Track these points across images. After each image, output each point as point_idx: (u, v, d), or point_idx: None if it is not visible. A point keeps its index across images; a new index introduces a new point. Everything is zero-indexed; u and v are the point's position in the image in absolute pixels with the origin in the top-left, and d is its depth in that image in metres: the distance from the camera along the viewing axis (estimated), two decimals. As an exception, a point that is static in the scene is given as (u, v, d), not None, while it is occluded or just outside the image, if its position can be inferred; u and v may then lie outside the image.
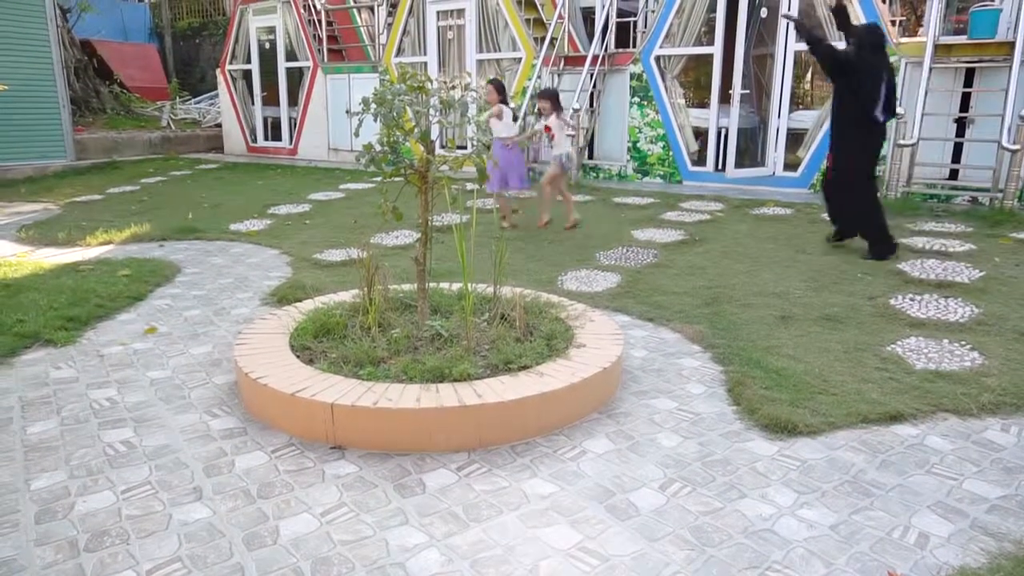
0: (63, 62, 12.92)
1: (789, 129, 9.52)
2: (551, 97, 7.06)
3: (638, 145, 10.72)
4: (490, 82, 6.97)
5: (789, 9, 9.05)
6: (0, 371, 3.72)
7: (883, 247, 5.72)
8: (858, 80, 5.53)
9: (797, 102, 10.10)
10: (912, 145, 7.83)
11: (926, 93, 7.87)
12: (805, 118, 9.80)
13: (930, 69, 7.95)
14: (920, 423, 3.09)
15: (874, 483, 2.63)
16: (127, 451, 2.89)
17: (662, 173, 10.56)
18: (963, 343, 3.94)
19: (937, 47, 8.13)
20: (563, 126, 6.94)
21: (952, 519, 2.41)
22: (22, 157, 12.07)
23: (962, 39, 8.30)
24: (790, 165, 9.61)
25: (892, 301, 4.69)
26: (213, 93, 17.61)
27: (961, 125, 8.43)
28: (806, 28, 5.97)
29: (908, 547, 2.27)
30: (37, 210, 9.02)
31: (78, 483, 2.65)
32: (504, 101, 6.91)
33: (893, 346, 3.93)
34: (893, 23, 9.47)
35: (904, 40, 9.04)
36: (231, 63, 15.31)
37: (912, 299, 4.72)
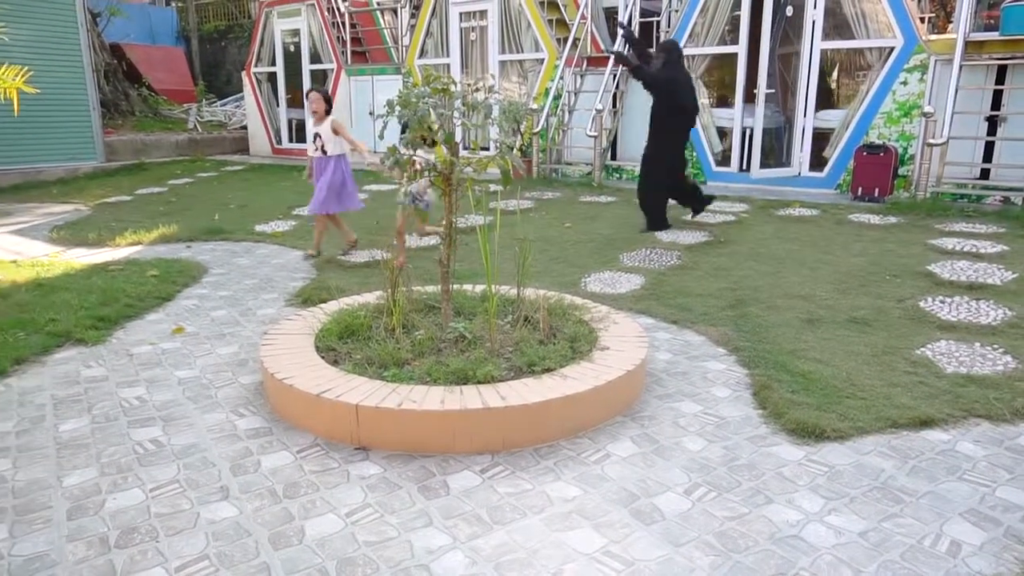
0: (93, 66, 13.16)
1: (815, 128, 9.41)
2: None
3: (661, 145, 10.64)
4: (314, 91, 6.11)
5: (815, 8, 8.94)
6: (33, 369, 3.80)
7: (658, 223, 7.10)
8: (679, 95, 6.68)
9: (823, 101, 9.96)
10: (942, 144, 7.69)
11: (956, 91, 7.72)
12: (831, 117, 9.67)
13: (960, 66, 7.81)
14: (951, 428, 3.03)
15: (904, 489, 2.59)
16: (156, 449, 2.94)
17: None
18: (995, 346, 3.86)
19: (968, 44, 7.98)
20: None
21: (985, 527, 2.36)
22: (54, 159, 12.32)
23: (994, 35, 8.13)
24: (816, 165, 9.49)
25: (921, 303, 4.61)
26: (239, 95, 17.83)
27: (993, 123, 8.26)
28: (633, 40, 7.19)
29: (940, 555, 2.22)
30: (68, 211, 9.19)
31: (108, 480, 2.69)
32: (330, 111, 6.12)
33: (923, 349, 3.86)
34: (922, 20, 9.32)
35: (933, 37, 8.89)
36: (256, 66, 15.48)
37: (942, 301, 4.64)
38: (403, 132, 7.35)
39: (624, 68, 7.00)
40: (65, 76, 12.24)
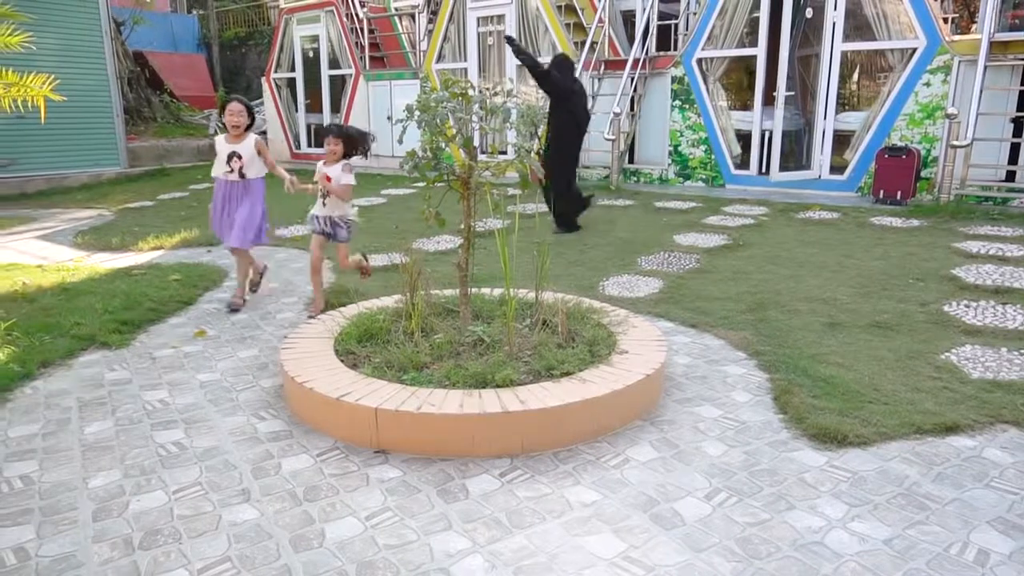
0: (117, 73, 13.37)
1: (836, 131, 9.32)
2: (346, 137, 4.61)
3: (679, 149, 10.62)
4: (236, 100, 4.89)
5: (836, 10, 8.86)
6: (59, 372, 3.86)
7: (569, 225, 7.36)
8: (573, 102, 7.01)
9: (843, 103, 9.87)
10: (966, 146, 7.59)
11: (981, 92, 7.62)
12: (852, 120, 9.58)
13: (985, 67, 7.70)
14: (978, 434, 2.98)
15: (929, 496, 2.55)
16: (178, 452, 2.97)
17: (704, 177, 10.44)
18: (1023, 351, 3.79)
19: (992, 44, 7.87)
20: (347, 181, 4.56)
21: (1013, 535, 2.32)
22: (78, 165, 12.52)
23: (1019, 36, 8.02)
24: (836, 168, 9.40)
25: (946, 307, 4.54)
26: (258, 101, 18.00)
27: (1018, 125, 8.13)
28: (524, 52, 7.07)
29: (967, 564, 2.19)
30: (92, 216, 9.34)
31: (132, 482, 2.73)
32: (251, 126, 4.96)
33: (947, 354, 3.80)
34: (945, 20, 9.20)
35: (957, 38, 8.77)
36: (276, 72, 15.64)
37: (967, 305, 4.57)
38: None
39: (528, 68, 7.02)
40: (90, 83, 12.44)
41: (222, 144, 4.89)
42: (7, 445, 3.03)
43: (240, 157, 4.84)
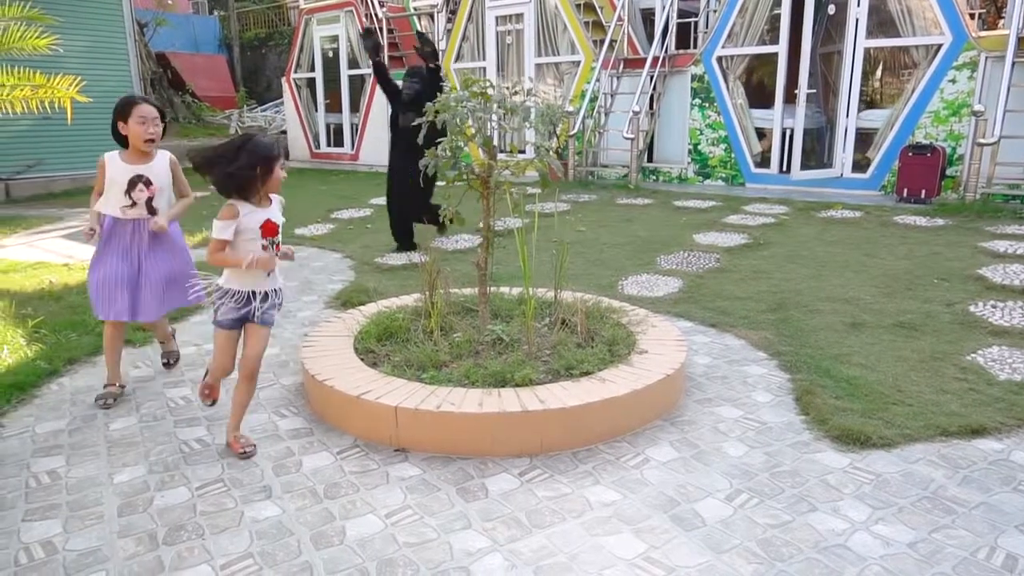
0: (140, 74, 13.55)
1: (858, 129, 9.21)
2: (262, 159, 2.73)
3: (699, 147, 10.55)
4: (146, 102, 3.37)
5: (859, 6, 8.75)
6: (84, 369, 3.92)
7: (404, 242, 6.75)
8: (401, 110, 6.32)
9: (866, 100, 9.74)
10: (993, 144, 7.46)
11: (1009, 89, 7.48)
12: (875, 117, 9.45)
13: (1013, 64, 7.56)
14: (1005, 437, 2.93)
15: (955, 500, 2.51)
16: (201, 448, 3.00)
17: (724, 175, 10.36)
18: (1051, 353, 3.73)
19: (1021, 40, 7.72)
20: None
21: (1042, 540, 2.28)
22: (102, 165, 12.70)
23: (1048, 31, 7.87)
24: (859, 166, 9.29)
25: (972, 308, 4.47)
26: (278, 101, 18.17)
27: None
28: (374, 49, 6.55)
29: (995, 569, 2.15)
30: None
31: (156, 478, 2.76)
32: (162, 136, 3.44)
33: (974, 355, 3.74)
34: (971, 15, 9.05)
35: (984, 34, 8.63)
36: (296, 72, 15.76)
37: (994, 306, 4.49)
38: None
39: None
40: (114, 84, 12.58)
41: (117, 165, 3.30)
42: (35, 441, 3.09)
43: (149, 184, 3.31)
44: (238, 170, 2.66)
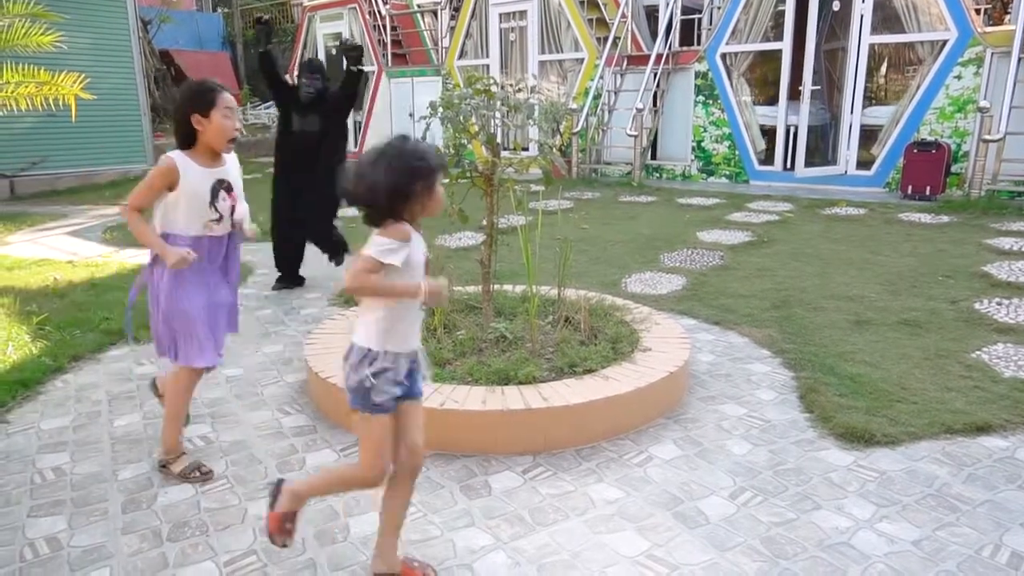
0: (144, 72, 13.56)
1: (863, 125, 9.17)
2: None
3: (703, 144, 10.52)
4: (223, 89, 2.64)
5: (864, 2, 8.71)
6: (89, 366, 3.93)
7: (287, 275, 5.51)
8: (286, 112, 5.22)
9: (871, 97, 9.71)
10: (999, 140, 7.43)
11: (1014, 85, 7.45)
12: (880, 114, 9.42)
13: (1019, 60, 7.53)
14: (1010, 435, 2.92)
15: (960, 497, 2.50)
16: (205, 446, 3.01)
17: (728, 173, 10.34)
18: (1057, 351, 3.71)
19: (1026, 36, 7.69)
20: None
21: (1048, 539, 2.27)
22: (106, 162, 12.72)
23: (1054, 27, 7.83)
24: (863, 163, 9.26)
25: (977, 305, 4.46)
26: (282, 98, 18.16)
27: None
28: (266, 38, 5.45)
29: (1000, 567, 2.14)
30: (120, 213, 9.48)
31: (160, 475, 2.76)
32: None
33: (978, 353, 3.73)
34: (977, 11, 9.01)
35: (989, 29, 8.58)
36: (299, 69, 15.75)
37: (999, 303, 4.48)
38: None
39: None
40: (118, 82, 12.63)
41: (194, 170, 2.57)
42: (40, 437, 3.10)
43: (230, 191, 2.69)
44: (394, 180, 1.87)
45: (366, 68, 5.87)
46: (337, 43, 5.30)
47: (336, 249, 5.57)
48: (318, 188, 5.12)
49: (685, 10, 10.93)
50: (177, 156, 2.56)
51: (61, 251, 6.98)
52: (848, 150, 9.24)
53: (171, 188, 2.56)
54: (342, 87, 5.29)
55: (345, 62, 5.31)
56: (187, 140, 2.59)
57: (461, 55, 13.03)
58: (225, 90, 2.62)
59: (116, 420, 3.26)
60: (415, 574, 2.12)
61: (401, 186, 1.88)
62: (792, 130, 9.49)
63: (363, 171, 1.89)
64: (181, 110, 2.56)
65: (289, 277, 5.49)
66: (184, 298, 2.62)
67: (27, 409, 3.38)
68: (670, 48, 10.57)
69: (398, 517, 2.12)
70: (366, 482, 2.05)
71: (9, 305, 4.81)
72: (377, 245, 1.89)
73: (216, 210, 2.64)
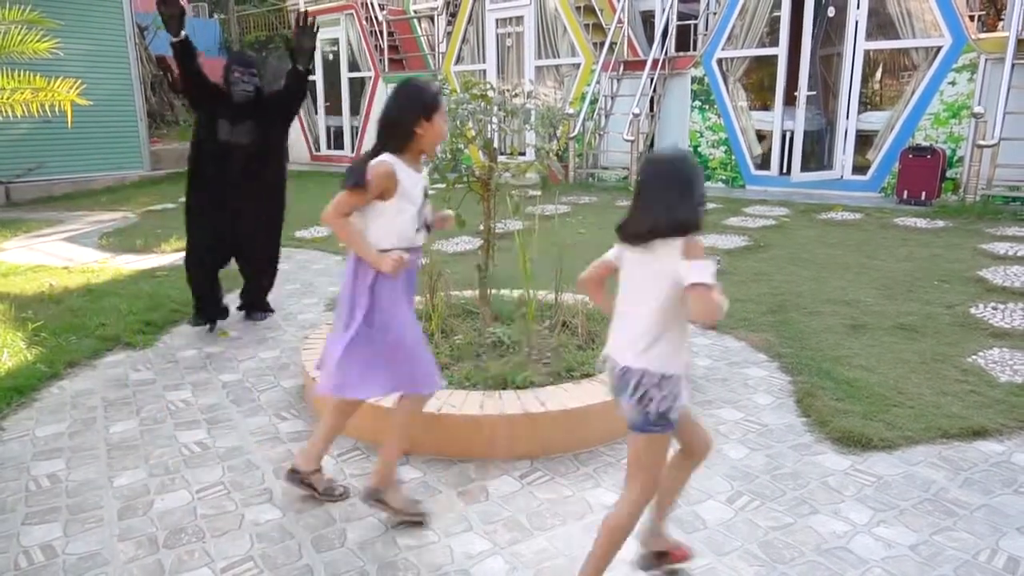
0: (140, 78, 13.56)
1: (858, 131, 9.22)
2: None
3: (699, 149, 10.55)
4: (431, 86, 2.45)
5: (859, 8, 8.76)
6: (84, 372, 3.91)
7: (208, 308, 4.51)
8: (206, 115, 4.37)
9: (866, 103, 9.75)
10: (993, 145, 7.47)
11: (1008, 90, 7.49)
12: (875, 119, 9.46)
13: (1012, 66, 7.57)
14: (1006, 439, 2.93)
15: (957, 502, 2.51)
16: (201, 451, 3.00)
17: (724, 178, 10.36)
18: (1052, 355, 3.72)
19: (1020, 41, 7.73)
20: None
21: (1044, 543, 2.27)
22: (103, 168, 12.71)
23: (1047, 33, 7.88)
24: (859, 168, 9.29)
25: (972, 310, 4.47)
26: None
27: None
28: (178, 24, 4.17)
29: (996, 571, 2.15)
30: (116, 218, 9.46)
31: (156, 481, 2.76)
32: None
33: (974, 357, 3.74)
34: (971, 17, 9.06)
35: (983, 35, 8.64)
36: (296, 75, 15.76)
37: (995, 308, 4.49)
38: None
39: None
40: (114, 88, 12.63)
41: (410, 175, 2.36)
42: (35, 444, 3.08)
43: (426, 196, 2.46)
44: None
45: (312, 72, 4.94)
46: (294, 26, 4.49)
47: (271, 283, 4.78)
48: (261, 212, 4.44)
49: (681, 15, 10.97)
50: (391, 159, 2.31)
51: (57, 257, 6.96)
52: (844, 155, 9.28)
53: (383, 196, 2.30)
54: (287, 85, 4.46)
55: (292, 57, 4.48)
56: (400, 143, 2.34)
57: (458, 60, 13.06)
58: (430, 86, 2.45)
59: (112, 426, 3.25)
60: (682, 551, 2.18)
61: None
62: (788, 135, 9.52)
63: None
64: (409, 112, 2.33)
65: (211, 308, 4.49)
66: (403, 316, 2.40)
67: (22, 416, 3.37)
68: (666, 53, 10.61)
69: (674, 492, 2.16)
70: (644, 507, 2.00)
71: (4, 311, 4.80)
72: (706, 268, 1.87)
73: (422, 218, 2.42)
